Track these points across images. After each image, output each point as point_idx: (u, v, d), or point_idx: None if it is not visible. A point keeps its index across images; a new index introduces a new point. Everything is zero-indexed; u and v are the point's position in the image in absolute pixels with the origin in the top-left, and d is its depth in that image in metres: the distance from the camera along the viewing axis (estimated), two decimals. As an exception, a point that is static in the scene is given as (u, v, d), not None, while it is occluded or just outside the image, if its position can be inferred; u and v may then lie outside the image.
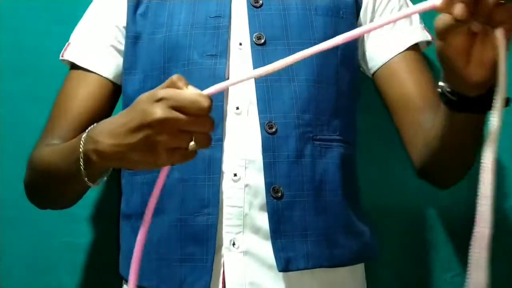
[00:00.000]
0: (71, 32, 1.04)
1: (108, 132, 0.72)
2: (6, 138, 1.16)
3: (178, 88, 0.67)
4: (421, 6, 0.63)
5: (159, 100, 0.66)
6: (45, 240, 1.15)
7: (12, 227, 1.14)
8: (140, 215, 0.91)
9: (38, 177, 0.92)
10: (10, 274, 1.14)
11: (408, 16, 0.64)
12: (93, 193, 1.14)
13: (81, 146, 0.77)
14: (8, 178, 1.15)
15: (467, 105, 0.73)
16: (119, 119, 0.72)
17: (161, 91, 0.67)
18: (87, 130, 0.77)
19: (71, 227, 1.15)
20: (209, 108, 0.66)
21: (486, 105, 0.71)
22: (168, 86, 0.68)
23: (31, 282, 1.15)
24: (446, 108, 0.75)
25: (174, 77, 0.68)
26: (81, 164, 0.77)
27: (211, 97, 0.67)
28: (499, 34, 0.63)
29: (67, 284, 1.15)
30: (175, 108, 0.66)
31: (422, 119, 0.92)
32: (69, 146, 0.83)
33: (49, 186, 0.90)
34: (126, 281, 0.96)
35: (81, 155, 0.76)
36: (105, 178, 0.82)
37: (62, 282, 1.15)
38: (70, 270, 1.15)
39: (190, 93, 0.66)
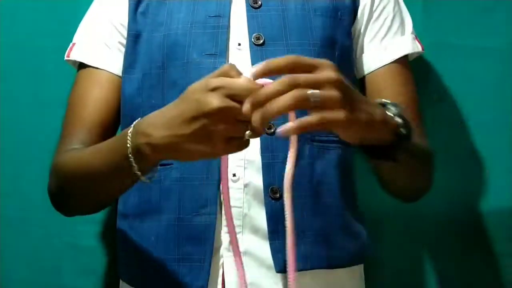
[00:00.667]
0: (72, 32, 1.03)
1: (161, 124, 0.71)
2: (6, 138, 1.16)
3: (231, 76, 0.67)
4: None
5: (214, 89, 0.66)
6: (46, 241, 1.15)
7: (13, 227, 1.14)
8: (138, 215, 0.92)
9: (69, 183, 0.89)
10: (11, 274, 1.14)
11: None
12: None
13: (128, 142, 0.74)
14: (8, 178, 1.14)
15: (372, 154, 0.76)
16: (171, 111, 0.70)
17: (214, 80, 0.67)
18: (132, 125, 0.75)
19: (73, 228, 1.14)
20: None
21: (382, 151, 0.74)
22: (220, 75, 0.67)
23: (31, 283, 1.15)
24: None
25: (226, 66, 0.67)
26: (132, 159, 0.74)
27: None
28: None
29: (68, 284, 1.15)
30: (230, 97, 0.65)
31: None
32: (110, 145, 0.81)
33: (85, 190, 0.87)
34: (123, 280, 0.96)
35: (130, 150, 0.74)
36: (156, 173, 0.79)
37: (63, 282, 1.15)
38: (71, 271, 1.15)
39: (244, 81, 0.66)
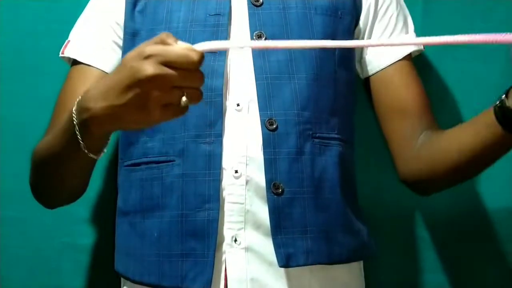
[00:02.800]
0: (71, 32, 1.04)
1: (98, 96, 0.71)
2: (6, 138, 1.16)
3: (167, 44, 0.67)
4: None
5: (148, 56, 0.66)
6: (45, 241, 1.15)
7: (12, 227, 1.14)
8: (139, 212, 0.92)
9: (40, 170, 0.91)
10: (10, 274, 1.14)
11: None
12: (93, 193, 1.14)
13: (74, 119, 0.76)
14: (8, 178, 1.14)
15: None
16: (108, 81, 0.71)
17: (148, 47, 0.67)
18: (76, 102, 0.76)
19: (71, 228, 1.14)
20: (199, 62, 0.66)
21: None
22: (156, 43, 0.67)
23: (31, 283, 1.14)
24: (498, 127, 0.79)
25: (163, 34, 0.67)
26: (79, 136, 0.76)
27: (202, 53, 0.66)
28: None
29: (68, 284, 1.14)
30: (165, 64, 0.65)
31: (414, 130, 0.96)
32: (62, 125, 0.82)
33: (52, 175, 0.89)
34: (124, 277, 0.96)
35: (76, 128, 0.75)
36: (105, 150, 0.80)
37: (63, 282, 1.14)
38: (71, 271, 1.14)
39: (179, 47, 0.66)
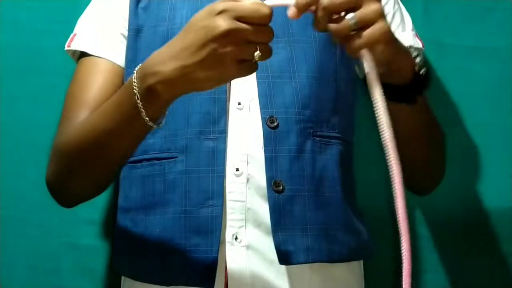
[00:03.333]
0: (72, 31, 1.03)
1: (169, 58, 0.71)
2: (6, 138, 1.15)
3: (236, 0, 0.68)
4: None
5: (221, 12, 0.67)
6: (45, 241, 1.15)
7: (13, 227, 1.14)
8: (141, 208, 0.92)
9: (75, 157, 0.86)
10: (11, 274, 1.14)
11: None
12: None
13: (135, 88, 0.74)
14: (8, 178, 1.14)
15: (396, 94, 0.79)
16: (178, 43, 0.71)
17: (220, 4, 0.68)
18: (134, 71, 0.75)
19: (71, 228, 1.14)
20: (270, 16, 0.67)
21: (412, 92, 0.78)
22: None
23: (31, 283, 1.14)
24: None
25: None
26: (140, 106, 0.74)
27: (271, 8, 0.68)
28: (365, 57, 0.70)
29: (68, 284, 1.14)
30: (238, 18, 0.66)
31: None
32: (114, 100, 0.80)
33: (93, 157, 0.84)
34: (124, 275, 0.96)
35: (138, 96, 0.74)
36: (164, 122, 0.79)
37: (63, 282, 1.14)
38: (71, 271, 1.14)
39: (250, 2, 0.67)
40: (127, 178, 0.96)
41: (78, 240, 1.15)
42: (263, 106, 0.90)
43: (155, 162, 0.92)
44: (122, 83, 0.98)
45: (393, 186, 0.69)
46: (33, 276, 1.14)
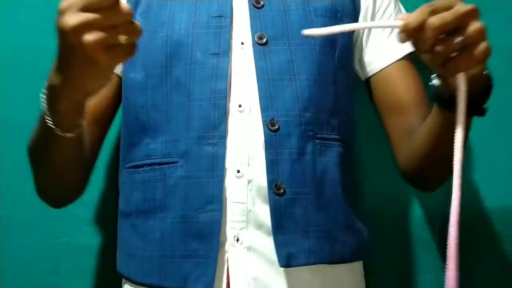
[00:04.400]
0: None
1: (52, 73, 0.74)
2: (6, 138, 1.16)
3: None
4: (390, 23, 0.68)
5: (65, 10, 0.67)
6: (45, 241, 1.15)
7: (12, 227, 1.14)
8: (142, 213, 0.92)
9: (32, 163, 0.91)
10: (10, 274, 1.14)
11: (379, 27, 0.70)
12: (93, 194, 1.14)
13: (43, 100, 0.78)
14: (8, 178, 1.14)
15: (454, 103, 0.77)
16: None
17: (63, 3, 0.68)
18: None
19: (71, 228, 1.15)
20: None
21: (472, 107, 0.77)
22: None
23: (31, 283, 1.14)
24: (436, 107, 0.81)
25: None
26: (46, 114, 0.78)
27: None
28: (461, 78, 0.70)
29: (68, 284, 1.14)
30: (85, 10, 0.66)
31: (412, 125, 0.97)
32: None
33: (43, 169, 0.89)
34: (126, 278, 0.96)
35: (44, 106, 0.78)
36: (77, 131, 0.81)
37: (63, 282, 1.14)
38: (70, 271, 1.15)
39: None
40: (127, 183, 0.96)
41: (78, 240, 1.15)
42: (264, 109, 0.90)
43: (156, 167, 0.92)
44: (118, 89, 0.99)
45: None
46: (33, 276, 1.14)
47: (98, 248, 1.15)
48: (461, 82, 0.70)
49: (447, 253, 0.69)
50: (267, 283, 0.88)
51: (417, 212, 1.16)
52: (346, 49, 1.00)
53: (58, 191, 0.95)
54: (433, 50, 0.69)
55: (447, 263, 0.69)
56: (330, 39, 0.96)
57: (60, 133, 0.79)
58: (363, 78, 1.06)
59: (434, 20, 0.68)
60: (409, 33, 0.69)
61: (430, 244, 1.16)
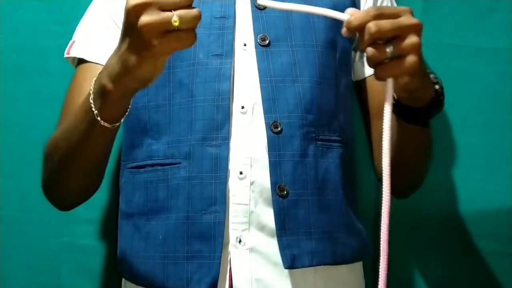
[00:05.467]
0: (72, 32, 1.03)
1: (112, 55, 0.75)
2: (6, 138, 1.16)
3: None
4: (338, 14, 0.72)
5: None
6: (45, 241, 1.15)
7: (13, 227, 1.14)
8: (144, 214, 0.92)
9: (55, 161, 0.89)
10: (10, 274, 1.14)
11: (328, 16, 0.71)
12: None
13: (91, 89, 0.78)
14: (8, 178, 1.14)
15: (410, 116, 0.82)
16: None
17: None
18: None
19: (71, 228, 1.15)
20: None
21: (425, 116, 0.82)
22: None
23: (31, 283, 1.14)
24: (399, 119, 0.83)
25: None
26: (92, 105, 0.78)
27: None
28: (389, 85, 0.72)
29: (67, 284, 1.14)
30: None
31: None
32: (79, 105, 0.84)
33: (68, 163, 0.88)
34: (127, 279, 0.96)
35: (91, 96, 0.78)
36: (122, 120, 0.81)
37: (62, 282, 1.15)
38: (70, 271, 1.15)
39: None
40: (129, 183, 0.96)
41: (78, 240, 1.15)
42: (267, 110, 0.90)
43: (159, 168, 0.92)
44: None
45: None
46: (33, 276, 1.15)
47: (98, 248, 1.15)
48: (388, 88, 0.72)
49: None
50: (270, 284, 0.88)
51: (417, 212, 1.15)
52: (346, 50, 1.00)
53: (75, 190, 0.94)
54: (366, 51, 0.71)
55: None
56: (332, 40, 0.97)
57: (106, 124, 0.79)
58: (354, 80, 1.06)
59: (372, 26, 0.69)
60: (350, 29, 0.71)
61: (430, 244, 1.16)
